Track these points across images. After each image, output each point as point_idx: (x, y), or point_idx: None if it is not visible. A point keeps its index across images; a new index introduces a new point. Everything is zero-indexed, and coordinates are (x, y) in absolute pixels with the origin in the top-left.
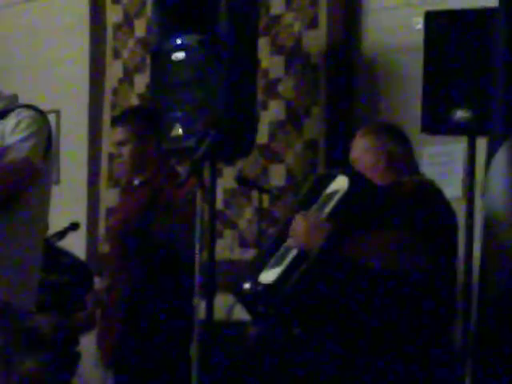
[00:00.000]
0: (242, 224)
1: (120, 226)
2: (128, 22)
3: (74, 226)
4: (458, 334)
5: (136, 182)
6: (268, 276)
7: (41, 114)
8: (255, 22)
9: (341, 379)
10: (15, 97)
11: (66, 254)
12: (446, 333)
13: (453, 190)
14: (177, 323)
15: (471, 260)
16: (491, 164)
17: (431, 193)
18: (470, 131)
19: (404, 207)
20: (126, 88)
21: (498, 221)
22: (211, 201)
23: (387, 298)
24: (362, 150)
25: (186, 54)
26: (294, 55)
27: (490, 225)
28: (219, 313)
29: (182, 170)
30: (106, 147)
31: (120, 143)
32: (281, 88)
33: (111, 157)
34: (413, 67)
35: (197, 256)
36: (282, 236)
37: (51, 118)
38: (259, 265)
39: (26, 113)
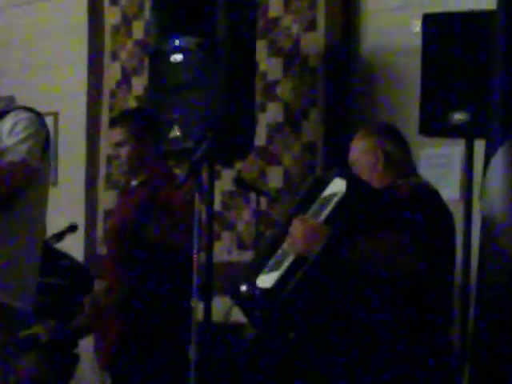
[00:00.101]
0: (240, 226)
1: (117, 227)
2: (126, 24)
3: (72, 228)
4: (456, 335)
5: (134, 184)
6: (265, 280)
7: (38, 115)
8: (253, 25)
9: (338, 382)
10: (12, 98)
11: (64, 256)
12: (443, 335)
13: (450, 191)
14: (174, 325)
15: (469, 262)
16: (489, 166)
17: (428, 195)
18: (467, 133)
19: (401, 210)
20: (124, 90)
21: (496, 223)
22: (209, 203)
23: (384, 302)
24: (360, 151)
25: (184, 56)
26: (292, 57)
27: (488, 227)
28: (217, 315)
29: (180, 171)
30: (104, 149)
31: (118, 144)
32: (279, 90)
33: (109, 159)
34: (411, 69)
35: (195, 258)
36: (279, 239)
37: (49, 119)
38: (256, 267)
39: (23, 115)
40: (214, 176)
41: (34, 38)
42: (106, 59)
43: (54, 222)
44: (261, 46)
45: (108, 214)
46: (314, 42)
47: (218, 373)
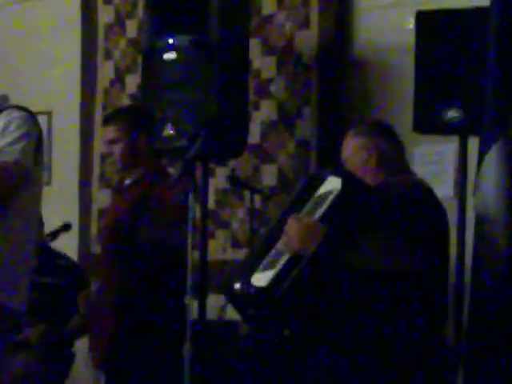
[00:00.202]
0: (234, 224)
1: (111, 226)
2: (120, 22)
3: (66, 227)
4: (450, 333)
5: (127, 182)
6: (260, 279)
7: (30, 114)
8: (247, 23)
9: (332, 380)
10: (6, 97)
11: (60, 255)
12: (437, 333)
13: (444, 189)
14: (169, 324)
15: (463, 259)
16: (483, 164)
17: (422, 192)
18: (461, 131)
19: (395, 208)
20: (117, 88)
21: (490, 220)
22: (203, 201)
23: (380, 300)
24: (353, 149)
25: (178, 54)
26: (285, 55)
27: (482, 224)
28: (211, 313)
29: (173, 170)
30: (98, 148)
31: (111, 142)
32: (272, 88)
33: (103, 157)
34: (404, 67)
35: (189, 256)
36: (274, 237)
37: (43, 118)
38: (251, 266)
39: (15, 114)
40: (207, 174)
41: (27, 37)
42: (100, 58)
43: (48, 221)
44: (254, 44)
45: (102, 212)
46: (307, 40)
47: (212, 371)
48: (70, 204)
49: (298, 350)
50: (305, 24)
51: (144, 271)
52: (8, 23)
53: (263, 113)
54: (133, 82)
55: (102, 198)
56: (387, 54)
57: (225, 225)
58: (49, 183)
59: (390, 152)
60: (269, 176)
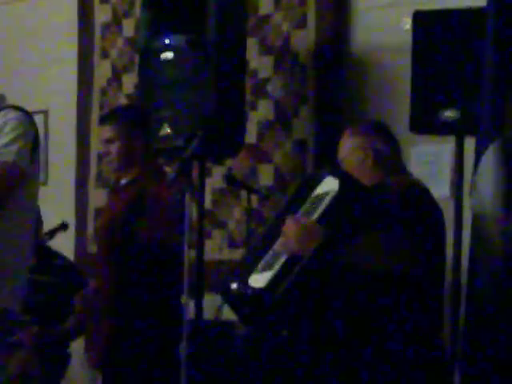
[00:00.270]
0: (231, 224)
1: (107, 226)
2: (116, 21)
3: (63, 226)
4: (447, 333)
5: (123, 182)
6: (258, 280)
7: (27, 114)
8: (243, 22)
9: (329, 380)
10: (3, 97)
11: (57, 255)
12: (435, 332)
13: (441, 189)
14: (165, 323)
15: (460, 259)
16: (479, 164)
17: (419, 193)
18: (457, 131)
19: (391, 208)
20: (114, 88)
21: (487, 220)
22: (200, 200)
23: (376, 301)
24: (350, 149)
25: (175, 54)
26: (282, 55)
27: (478, 225)
28: (208, 313)
29: (170, 169)
30: (95, 147)
31: (108, 141)
32: (269, 88)
33: (100, 157)
34: (401, 67)
35: (185, 256)
36: (271, 237)
37: (39, 117)
38: (248, 266)
39: (11, 114)
40: (204, 174)
41: (24, 36)
42: (97, 57)
43: (45, 221)
44: (251, 44)
45: (98, 212)
46: (304, 40)
47: (209, 371)
48: (66, 203)
49: (296, 350)
50: (302, 24)
51: (140, 271)
52: (4, 22)
53: (260, 112)
54: (130, 81)
55: (98, 197)
56: (384, 54)
57: (221, 224)
58: (45, 182)
59: (387, 152)
60: (265, 176)
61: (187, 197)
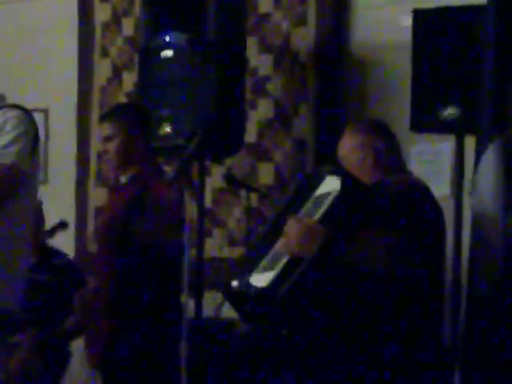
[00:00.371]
0: (231, 223)
1: (107, 224)
2: (116, 20)
3: (63, 225)
4: (447, 332)
5: (123, 180)
6: (260, 280)
7: (27, 113)
8: (243, 21)
9: (329, 379)
10: (2, 96)
11: (57, 253)
12: (434, 333)
13: (441, 188)
14: (165, 322)
15: (459, 259)
16: (480, 163)
17: (420, 192)
18: (458, 129)
19: (392, 207)
20: (114, 86)
21: (487, 219)
22: (200, 199)
23: (379, 300)
24: (350, 147)
25: (175, 52)
26: (282, 54)
27: (478, 224)
28: (208, 311)
29: (170, 168)
30: (95, 146)
31: (107, 138)
32: (269, 87)
33: (100, 155)
34: (401, 65)
35: (186, 254)
36: (272, 237)
37: (39, 116)
38: (249, 265)
39: (11, 113)
40: (204, 173)
41: (24, 35)
42: (96, 56)
43: (45, 220)
44: (251, 43)
45: (99, 211)
46: (304, 38)
47: (209, 369)
48: (66, 202)
49: (296, 350)
50: (302, 22)
51: (140, 270)
52: (5, 21)
53: (260, 111)
54: (130, 80)
55: (99, 196)
56: (384, 52)
57: (221, 223)
58: (45, 181)
59: (387, 151)
60: (265, 175)
61: (187, 196)
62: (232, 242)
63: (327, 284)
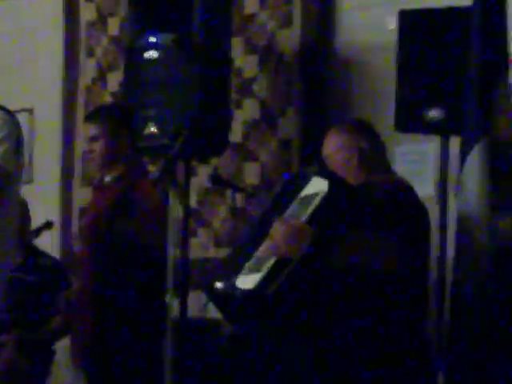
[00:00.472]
0: (216, 223)
1: (91, 224)
2: (101, 20)
3: (48, 225)
4: (432, 332)
5: (107, 179)
6: (246, 282)
7: (10, 114)
8: (229, 21)
9: (315, 379)
10: None
11: (42, 253)
12: (418, 331)
13: (425, 188)
14: (150, 322)
15: (444, 259)
16: (465, 164)
17: (405, 192)
18: (442, 130)
19: (377, 207)
20: (99, 86)
21: (472, 220)
22: (185, 199)
23: (364, 300)
24: (335, 147)
25: (160, 52)
26: (267, 54)
27: (463, 224)
28: (193, 311)
29: (155, 168)
30: (80, 146)
31: (92, 139)
32: (255, 87)
33: (85, 155)
34: (386, 66)
35: (170, 254)
36: (258, 238)
37: (24, 116)
38: (234, 267)
39: None
40: (190, 173)
41: (8, 34)
42: (82, 55)
43: (31, 219)
44: (236, 43)
45: (83, 210)
46: (289, 39)
47: (193, 369)
48: (51, 202)
49: (284, 349)
50: (287, 23)
51: (124, 269)
52: None
53: (245, 111)
54: (115, 80)
55: (83, 196)
56: (369, 53)
57: (207, 223)
58: (30, 181)
59: (372, 151)
60: (251, 175)
61: (172, 195)
62: (217, 242)
63: (314, 285)
